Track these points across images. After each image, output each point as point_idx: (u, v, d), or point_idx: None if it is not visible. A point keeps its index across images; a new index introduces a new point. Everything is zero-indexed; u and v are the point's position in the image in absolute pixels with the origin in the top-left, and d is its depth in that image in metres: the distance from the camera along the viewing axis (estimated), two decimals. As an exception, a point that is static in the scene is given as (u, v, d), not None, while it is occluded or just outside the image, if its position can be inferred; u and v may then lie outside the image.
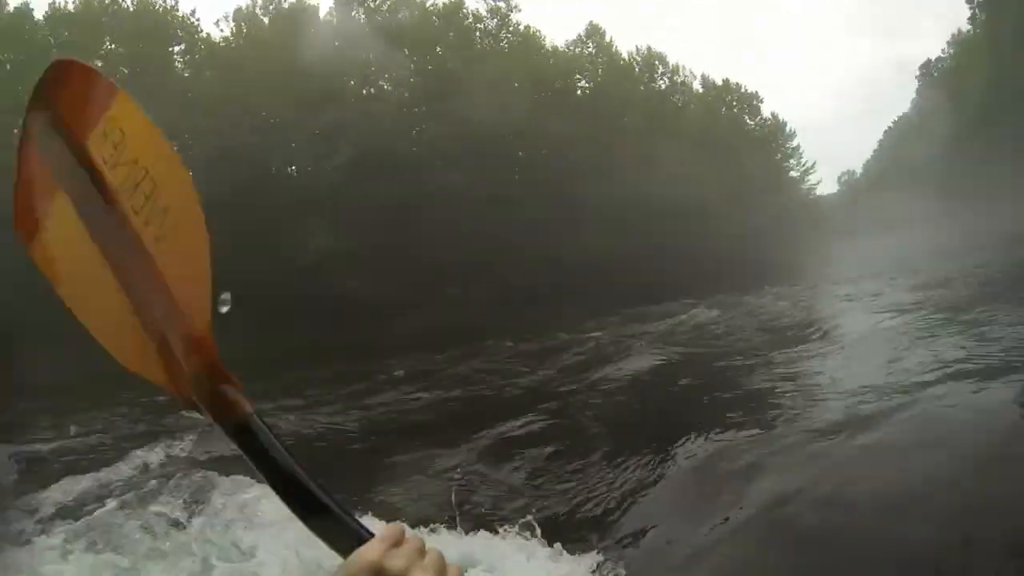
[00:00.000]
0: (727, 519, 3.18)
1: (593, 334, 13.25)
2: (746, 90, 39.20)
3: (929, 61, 49.71)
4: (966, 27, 42.04)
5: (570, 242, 26.44)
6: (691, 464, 4.18)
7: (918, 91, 51.65)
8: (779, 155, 40.87)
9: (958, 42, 43.97)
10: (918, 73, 50.90)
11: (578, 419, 6.29)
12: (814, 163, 42.38)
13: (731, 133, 36.86)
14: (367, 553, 0.58)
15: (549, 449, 5.21)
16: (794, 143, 41.17)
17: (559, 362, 10.28)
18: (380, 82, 29.00)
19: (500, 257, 25.47)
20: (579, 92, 32.94)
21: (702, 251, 28.61)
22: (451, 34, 30.30)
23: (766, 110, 39.90)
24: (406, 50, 28.18)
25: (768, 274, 24.75)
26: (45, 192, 0.70)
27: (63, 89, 0.69)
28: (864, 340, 7.73)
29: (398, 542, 0.60)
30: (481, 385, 9.46)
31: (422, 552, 0.60)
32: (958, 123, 37.46)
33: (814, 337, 8.85)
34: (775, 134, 40.39)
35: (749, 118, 39.40)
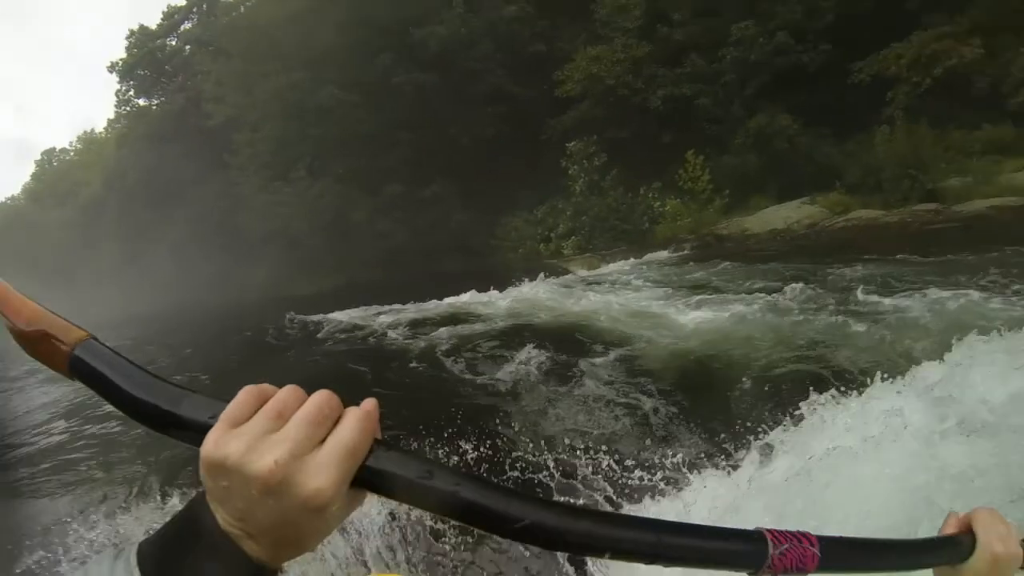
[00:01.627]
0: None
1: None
2: None
3: (53, 149, 52.96)
4: (100, 129, 47.29)
5: None
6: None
7: (34, 176, 53.37)
8: None
9: (86, 139, 49.05)
10: (39, 158, 53.81)
11: None
12: None
13: None
14: (203, 448, 0.41)
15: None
16: None
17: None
18: None
19: None
20: None
21: None
22: None
23: None
24: None
25: None
26: None
27: None
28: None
29: (239, 419, 0.42)
30: None
31: (278, 416, 0.42)
32: (73, 209, 40.29)
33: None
34: None
35: None
